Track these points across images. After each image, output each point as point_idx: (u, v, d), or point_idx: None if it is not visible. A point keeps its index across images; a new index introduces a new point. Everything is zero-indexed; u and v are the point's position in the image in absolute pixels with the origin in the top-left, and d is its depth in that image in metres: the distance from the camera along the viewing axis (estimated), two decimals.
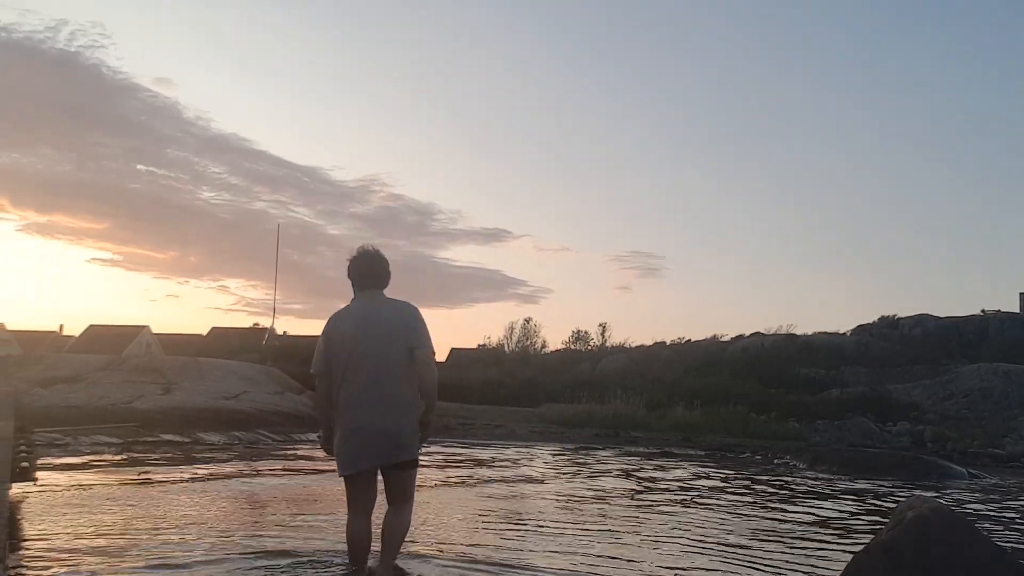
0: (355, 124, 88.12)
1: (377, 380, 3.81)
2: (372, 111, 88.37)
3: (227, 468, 9.65)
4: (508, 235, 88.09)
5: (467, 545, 5.27)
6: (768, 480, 11.47)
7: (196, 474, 8.83)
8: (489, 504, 7.56)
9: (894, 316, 43.15)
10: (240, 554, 4.64)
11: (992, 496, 10.66)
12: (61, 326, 56.04)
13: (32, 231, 78.03)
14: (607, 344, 54.43)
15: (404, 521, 3.96)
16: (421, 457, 4.11)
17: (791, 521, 7.43)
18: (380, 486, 4.01)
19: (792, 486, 10.75)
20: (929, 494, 10.30)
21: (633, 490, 9.54)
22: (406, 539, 4.12)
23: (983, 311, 41.78)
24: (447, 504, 7.37)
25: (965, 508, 8.99)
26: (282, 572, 4.26)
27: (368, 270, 4.02)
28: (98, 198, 67.16)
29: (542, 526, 6.40)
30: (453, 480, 9.60)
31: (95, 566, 4.24)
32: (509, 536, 5.87)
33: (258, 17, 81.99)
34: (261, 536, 5.25)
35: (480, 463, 11.98)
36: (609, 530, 6.36)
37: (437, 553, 4.89)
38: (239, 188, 75.40)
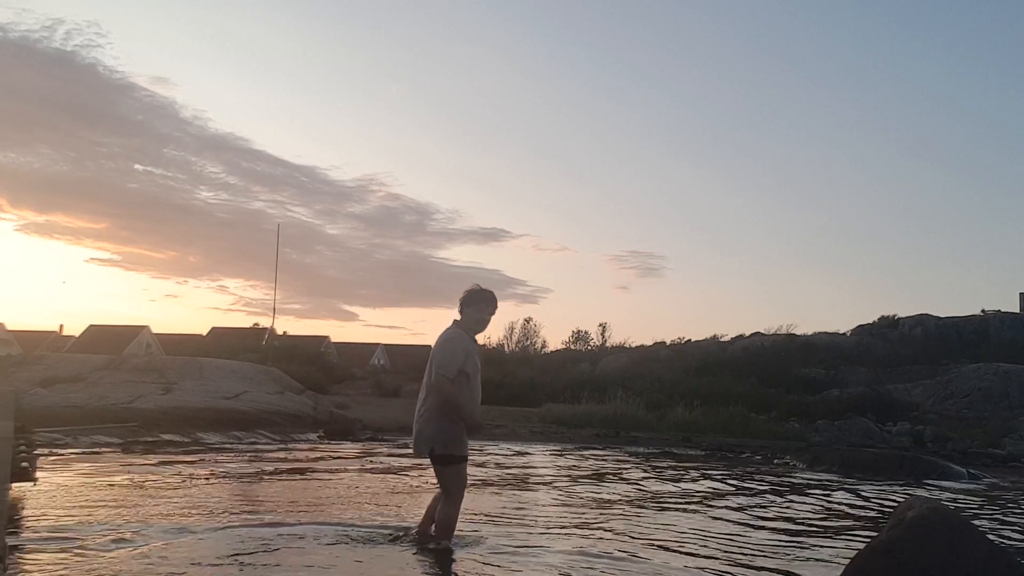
0: (353, 123, 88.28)
1: (422, 394, 5.00)
2: (370, 110, 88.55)
3: (225, 465, 9.63)
4: (507, 235, 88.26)
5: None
6: (766, 480, 11.47)
7: (194, 472, 8.81)
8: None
9: (894, 316, 43.22)
10: (211, 528, 4.72)
11: (992, 496, 10.66)
12: (61, 326, 56.28)
13: (31, 231, 78.05)
14: (607, 344, 54.58)
15: (441, 512, 4.88)
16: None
17: (790, 521, 7.43)
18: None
19: (791, 486, 10.74)
20: (929, 494, 10.31)
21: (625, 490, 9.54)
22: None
23: (983, 311, 41.83)
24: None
25: (965, 508, 8.99)
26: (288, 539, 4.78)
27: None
28: (96, 197, 67.33)
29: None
30: None
31: (88, 550, 4.39)
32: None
33: (256, 16, 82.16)
34: (258, 513, 5.27)
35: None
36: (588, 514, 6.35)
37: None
38: (237, 188, 75.53)
